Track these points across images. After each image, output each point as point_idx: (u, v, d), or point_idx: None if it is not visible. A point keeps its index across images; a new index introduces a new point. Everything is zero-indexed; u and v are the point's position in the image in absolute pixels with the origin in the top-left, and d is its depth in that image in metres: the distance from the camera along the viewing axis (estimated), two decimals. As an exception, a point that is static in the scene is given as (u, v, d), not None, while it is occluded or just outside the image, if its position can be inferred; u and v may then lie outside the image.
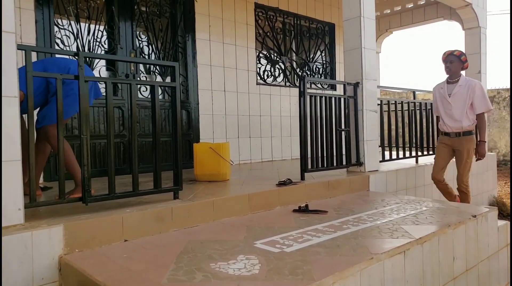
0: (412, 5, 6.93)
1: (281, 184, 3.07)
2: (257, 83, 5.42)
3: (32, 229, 1.89)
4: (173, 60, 4.58)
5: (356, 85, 3.81)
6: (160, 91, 4.51)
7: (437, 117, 4.09)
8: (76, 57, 2.15)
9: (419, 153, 4.75)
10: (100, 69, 3.99)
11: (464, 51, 3.91)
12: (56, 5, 3.71)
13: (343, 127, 3.78)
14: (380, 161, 4.18)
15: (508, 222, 3.11)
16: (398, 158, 4.44)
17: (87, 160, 2.18)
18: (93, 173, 2.43)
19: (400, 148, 4.57)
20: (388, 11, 7.34)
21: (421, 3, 6.77)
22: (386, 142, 4.71)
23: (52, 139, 2.49)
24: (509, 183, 7.54)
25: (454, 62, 3.76)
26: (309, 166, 3.42)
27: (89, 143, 2.20)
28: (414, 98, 4.86)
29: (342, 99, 3.78)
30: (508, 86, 9.72)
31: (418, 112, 4.85)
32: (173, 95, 2.48)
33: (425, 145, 4.96)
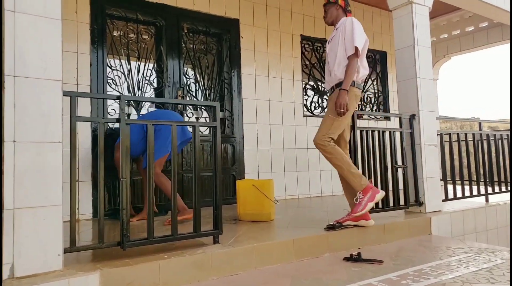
0: (473, 28, 6.49)
1: (330, 227, 2.82)
2: (304, 115, 5.27)
3: (70, 276, 1.84)
4: (219, 95, 4.60)
5: (412, 118, 3.51)
6: (206, 127, 4.51)
7: None
8: (118, 101, 2.15)
9: (489, 190, 4.24)
10: (148, 107, 4.08)
11: None
12: (109, 47, 3.89)
13: (399, 163, 3.47)
14: (443, 200, 3.75)
15: None
16: (464, 196, 3.98)
17: (126, 203, 2.13)
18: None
19: (466, 183, 4.10)
20: (446, 36, 6.94)
21: (483, 25, 6.32)
22: (448, 176, 4.27)
23: (154, 176, 2.93)
24: None
25: (328, 9, 3.04)
26: (361, 207, 3.13)
27: (129, 186, 2.16)
28: (480, 129, 4.39)
29: (398, 133, 3.50)
30: None
31: (485, 142, 4.38)
32: (214, 135, 2.40)
33: (495, 179, 4.43)
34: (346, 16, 3.03)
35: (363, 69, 2.92)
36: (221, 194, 2.45)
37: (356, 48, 2.79)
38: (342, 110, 2.77)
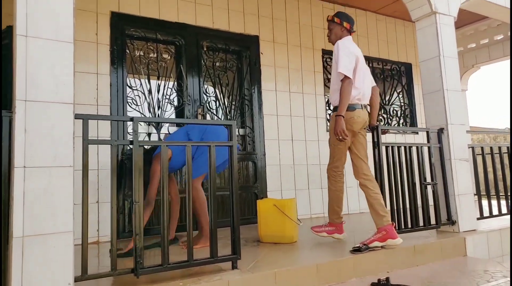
0: (502, 37, 6.20)
1: (356, 250, 2.66)
2: (327, 130, 5.11)
3: (80, 306, 1.78)
4: (239, 112, 4.54)
5: (440, 132, 3.32)
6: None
7: None
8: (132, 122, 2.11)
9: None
10: (168, 125, 4.07)
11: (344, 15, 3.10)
12: (129, 67, 3.93)
13: (428, 180, 3.27)
14: (478, 218, 3.50)
15: None
16: (501, 213, 3.71)
17: (140, 228, 2.06)
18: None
19: (501, 198, 3.82)
20: (474, 45, 6.66)
21: (514, 32, 6.02)
22: (482, 190, 4.00)
23: (194, 190, 2.86)
24: None
25: (333, 29, 3.07)
26: (389, 228, 2.95)
27: (142, 211, 2.10)
28: (516, 142, 4.11)
29: (426, 148, 3.31)
30: None
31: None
32: (230, 155, 2.31)
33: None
34: (350, 35, 3.07)
35: (354, 89, 2.85)
36: (241, 215, 2.36)
37: (341, 73, 2.79)
38: (341, 137, 2.74)
